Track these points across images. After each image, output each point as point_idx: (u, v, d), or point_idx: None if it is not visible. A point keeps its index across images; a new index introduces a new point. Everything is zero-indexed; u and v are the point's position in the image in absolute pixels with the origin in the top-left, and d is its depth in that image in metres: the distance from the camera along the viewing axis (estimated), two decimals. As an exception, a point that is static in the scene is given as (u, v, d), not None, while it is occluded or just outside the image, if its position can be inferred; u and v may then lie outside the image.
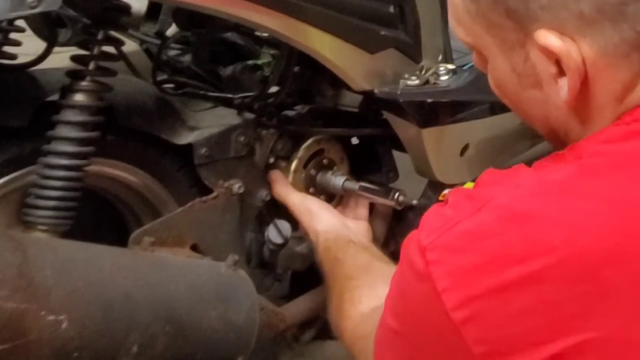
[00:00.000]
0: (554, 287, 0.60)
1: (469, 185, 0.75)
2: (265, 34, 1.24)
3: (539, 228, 0.61)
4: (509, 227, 0.62)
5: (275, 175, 1.25)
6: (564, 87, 0.66)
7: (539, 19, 0.65)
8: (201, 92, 1.24)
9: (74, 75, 1.00)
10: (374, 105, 1.27)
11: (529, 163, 0.71)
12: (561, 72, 0.66)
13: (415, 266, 0.65)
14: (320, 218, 1.22)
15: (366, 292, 1.02)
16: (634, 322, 0.60)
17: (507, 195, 0.65)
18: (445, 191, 0.81)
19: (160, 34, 1.27)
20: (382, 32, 1.20)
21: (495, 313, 0.61)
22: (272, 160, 1.26)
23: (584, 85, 0.66)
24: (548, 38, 0.65)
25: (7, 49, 1.06)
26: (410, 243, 0.67)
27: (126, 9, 1.04)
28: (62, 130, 0.98)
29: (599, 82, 0.66)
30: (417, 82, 1.24)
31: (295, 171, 1.27)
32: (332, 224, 1.21)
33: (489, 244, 0.62)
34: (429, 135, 1.26)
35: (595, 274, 0.59)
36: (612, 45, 0.64)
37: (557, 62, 0.66)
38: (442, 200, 0.72)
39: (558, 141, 0.73)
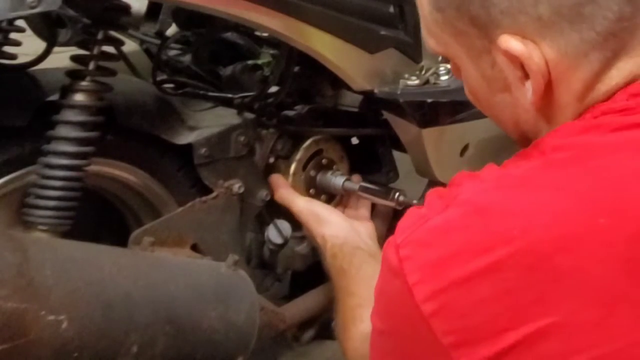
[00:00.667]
0: (513, 275, 0.62)
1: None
2: (265, 34, 1.24)
3: (499, 220, 0.64)
4: (473, 220, 0.65)
5: (277, 180, 1.25)
6: (530, 89, 0.68)
7: (500, 24, 0.67)
8: (201, 92, 1.24)
9: (74, 75, 1.00)
10: (374, 105, 1.27)
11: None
12: (526, 75, 0.68)
13: (390, 263, 0.67)
14: (327, 222, 1.21)
15: (367, 311, 1.03)
16: (586, 304, 0.61)
17: (472, 190, 0.67)
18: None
19: (160, 34, 1.27)
20: (382, 32, 1.20)
21: (460, 303, 0.63)
22: (272, 160, 1.25)
23: (548, 86, 0.68)
24: (510, 42, 0.66)
25: (7, 49, 1.06)
26: (388, 243, 0.69)
27: (126, 9, 1.04)
28: (62, 130, 0.98)
29: (562, 83, 0.68)
30: (417, 82, 1.24)
31: (295, 172, 1.27)
32: (339, 228, 1.21)
33: (455, 237, 0.64)
34: (429, 135, 1.26)
35: (549, 261, 0.61)
36: (572, 46, 0.66)
37: (522, 66, 0.67)
38: None
39: (529, 145, 0.75)
